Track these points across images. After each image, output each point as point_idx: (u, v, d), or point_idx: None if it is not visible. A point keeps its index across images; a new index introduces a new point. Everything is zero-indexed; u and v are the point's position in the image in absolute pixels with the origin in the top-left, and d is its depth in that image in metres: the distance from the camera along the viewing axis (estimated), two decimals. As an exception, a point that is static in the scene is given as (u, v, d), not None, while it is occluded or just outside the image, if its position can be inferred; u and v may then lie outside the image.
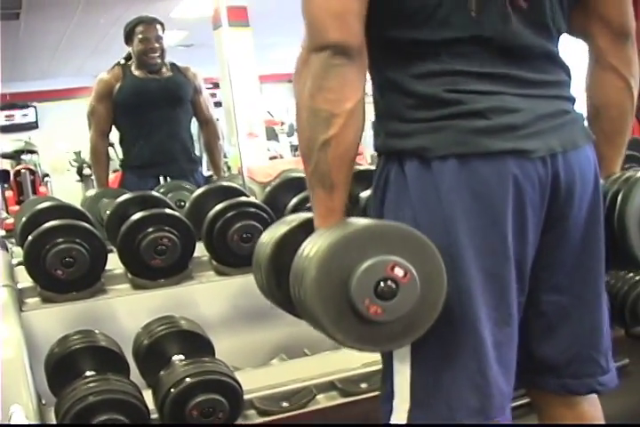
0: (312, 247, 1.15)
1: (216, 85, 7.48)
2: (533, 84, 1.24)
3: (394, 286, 1.11)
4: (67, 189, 9.96)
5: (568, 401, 1.39)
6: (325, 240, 1.14)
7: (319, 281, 1.11)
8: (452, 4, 1.18)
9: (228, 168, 5.74)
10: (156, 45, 3.45)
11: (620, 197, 1.34)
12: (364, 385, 2.07)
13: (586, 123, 1.34)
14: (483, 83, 1.21)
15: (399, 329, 1.15)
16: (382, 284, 1.11)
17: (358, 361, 2.11)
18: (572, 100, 1.31)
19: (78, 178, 11.12)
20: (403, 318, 1.13)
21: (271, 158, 8.54)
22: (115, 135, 3.65)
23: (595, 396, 1.41)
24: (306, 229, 1.27)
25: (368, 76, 1.25)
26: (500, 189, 1.18)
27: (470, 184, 1.18)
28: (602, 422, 1.42)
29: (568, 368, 1.34)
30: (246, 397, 1.89)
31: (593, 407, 1.41)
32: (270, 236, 1.37)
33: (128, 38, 3.49)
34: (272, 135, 10.05)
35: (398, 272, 1.11)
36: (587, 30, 1.36)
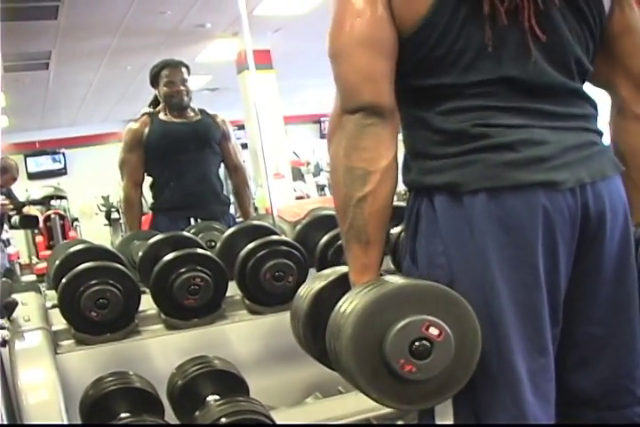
0: (349, 305, 1.17)
1: (241, 128, 7.57)
2: (560, 116, 1.25)
3: (429, 345, 1.12)
4: (95, 233, 10.09)
5: None
6: (362, 299, 1.16)
7: (355, 339, 1.13)
8: (476, 49, 1.21)
9: (255, 209, 5.77)
10: (182, 88, 3.49)
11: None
12: (399, 422, 2.05)
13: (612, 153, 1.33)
14: (510, 116, 1.22)
15: (434, 388, 1.16)
16: (417, 343, 1.12)
17: (394, 399, 2.08)
18: (599, 132, 1.31)
19: (106, 222, 11.25)
20: (437, 376, 1.14)
21: (298, 198, 8.58)
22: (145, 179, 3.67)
23: None
24: (342, 283, 1.29)
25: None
26: (531, 220, 1.18)
27: (501, 217, 1.18)
28: None
29: (604, 400, 1.32)
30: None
31: None
32: (307, 290, 1.40)
33: (154, 82, 3.53)
34: (298, 175, 10.12)
35: (433, 331, 1.13)
36: (609, 80, 1.38)
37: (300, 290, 1.44)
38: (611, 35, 1.33)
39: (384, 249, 1.29)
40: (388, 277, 1.24)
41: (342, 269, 1.38)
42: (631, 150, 1.37)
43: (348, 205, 1.22)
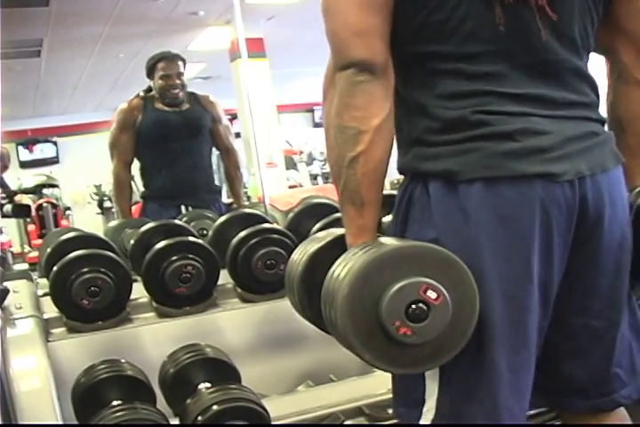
0: (344, 267, 1.15)
1: (234, 117, 7.55)
2: (562, 104, 1.23)
3: (425, 308, 1.11)
4: (88, 221, 10.05)
5: (593, 418, 1.37)
6: (357, 260, 1.14)
7: (350, 301, 1.11)
8: (478, 17, 1.18)
9: (248, 197, 5.76)
10: (177, 82, 3.48)
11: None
12: (391, 411, 2.05)
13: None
14: (510, 104, 1.20)
15: (428, 352, 1.15)
16: (414, 306, 1.10)
17: (385, 386, 2.08)
18: (601, 121, 1.30)
19: (99, 211, 11.22)
20: (432, 341, 1.13)
21: (290, 187, 8.56)
22: (134, 166, 3.66)
23: (623, 412, 1.39)
24: (337, 246, 1.27)
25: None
26: (527, 212, 1.17)
27: (496, 207, 1.17)
28: None
29: (596, 389, 1.33)
30: (273, 424, 1.88)
31: (622, 418, 1.40)
32: (302, 252, 1.37)
33: (150, 73, 3.52)
34: (291, 164, 10.10)
35: (431, 295, 1.11)
36: (611, 46, 1.37)
37: (294, 253, 1.41)
38: (611, 0, 1.31)
39: (380, 211, 1.26)
40: (385, 239, 1.22)
41: (338, 230, 1.35)
42: (630, 116, 1.36)
43: (341, 166, 1.20)
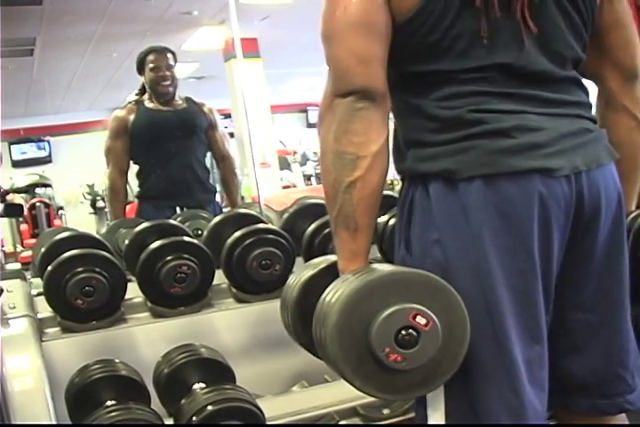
0: (334, 294, 1.16)
1: (227, 116, 7.55)
2: (555, 103, 1.25)
3: (415, 334, 1.11)
4: (80, 221, 10.03)
5: (596, 421, 1.37)
6: (347, 287, 1.14)
7: (340, 327, 1.12)
8: (471, 35, 1.20)
9: (242, 198, 5.75)
10: (167, 73, 3.47)
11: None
12: (386, 411, 2.05)
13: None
14: (505, 102, 1.22)
15: (419, 378, 1.15)
16: (404, 332, 1.11)
17: (380, 387, 2.09)
18: (593, 120, 1.32)
19: (92, 210, 11.20)
20: (423, 367, 1.14)
21: (284, 188, 8.57)
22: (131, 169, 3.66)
23: (623, 414, 1.39)
24: (332, 272, 1.29)
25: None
26: (526, 207, 1.18)
27: (496, 203, 1.19)
28: None
29: (597, 388, 1.33)
30: (268, 424, 1.87)
31: (620, 420, 1.40)
32: (296, 279, 1.39)
33: (140, 68, 3.52)
34: (285, 165, 10.11)
35: (420, 321, 1.12)
36: (598, 72, 1.40)
37: (289, 279, 1.43)
38: (600, 28, 1.35)
39: (372, 236, 1.28)
40: (377, 265, 1.23)
41: (332, 257, 1.37)
42: (618, 141, 1.38)
43: (337, 191, 1.21)
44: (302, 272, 1.40)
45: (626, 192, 1.36)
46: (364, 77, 1.19)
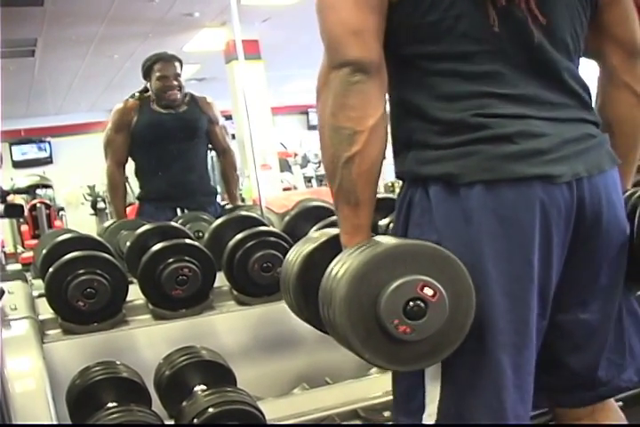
0: (341, 267, 1.15)
1: (228, 118, 7.55)
2: (558, 105, 1.25)
3: (423, 305, 1.11)
4: (81, 222, 10.03)
5: (594, 411, 1.39)
6: (355, 260, 1.14)
7: (348, 300, 1.11)
8: (472, 17, 1.20)
9: (243, 200, 5.75)
10: (175, 83, 3.46)
11: (638, 214, 1.33)
12: (386, 413, 2.05)
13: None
14: (509, 106, 1.21)
15: (427, 349, 1.15)
16: (411, 303, 1.11)
17: (380, 389, 2.09)
18: (596, 123, 1.31)
19: (92, 211, 11.20)
20: (431, 337, 1.13)
21: (285, 190, 8.57)
22: (129, 168, 3.65)
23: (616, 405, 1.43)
24: (332, 245, 1.28)
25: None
26: (527, 213, 1.18)
27: (497, 209, 1.18)
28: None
29: (596, 380, 1.34)
30: (269, 424, 1.87)
31: (613, 409, 1.43)
32: (297, 253, 1.37)
33: (146, 75, 3.51)
34: (285, 167, 10.10)
35: (427, 292, 1.11)
36: (599, 50, 1.39)
37: (289, 254, 1.42)
38: (599, 5, 1.33)
39: (374, 210, 1.26)
40: (381, 238, 1.22)
41: (332, 230, 1.36)
42: (619, 119, 1.38)
43: (336, 166, 1.20)
44: (302, 246, 1.38)
45: (623, 171, 1.36)
46: (358, 48, 1.17)
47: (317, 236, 1.41)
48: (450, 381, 1.22)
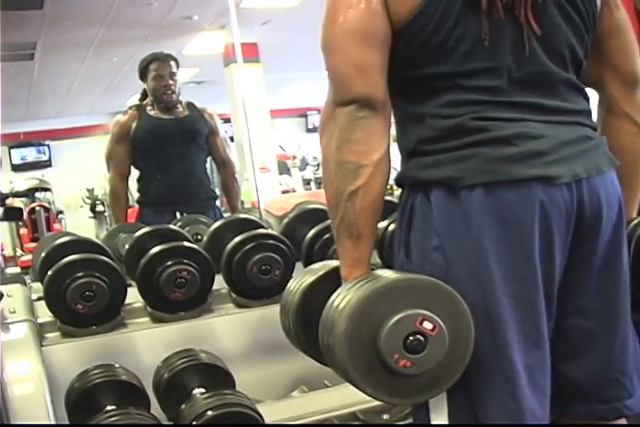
0: (342, 300, 1.17)
1: (227, 121, 7.55)
2: (556, 111, 1.26)
3: (423, 339, 1.13)
4: (80, 225, 10.02)
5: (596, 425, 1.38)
6: (355, 293, 1.16)
7: (349, 334, 1.13)
8: (474, 36, 1.21)
9: (241, 202, 5.75)
10: (170, 82, 3.46)
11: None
12: (385, 416, 2.06)
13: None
14: (506, 110, 1.22)
15: (428, 381, 1.17)
16: (411, 338, 1.12)
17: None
18: (593, 127, 1.32)
19: (91, 215, 11.20)
20: (431, 370, 1.15)
21: (283, 192, 8.57)
22: (131, 173, 3.65)
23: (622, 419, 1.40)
24: (332, 277, 1.29)
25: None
26: (528, 215, 1.19)
27: (498, 211, 1.19)
28: None
29: (597, 394, 1.33)
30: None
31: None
32: (298, 284, 1.39)
33: (142, 75, 3.51)
34: (284, 169, 10.10)
35: (427, 326, 1.13)
36: (599, 79, 1.41)
37: (289, 284, 1.44)
38: (600, 35, 1.35)
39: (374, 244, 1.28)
40: (381, 272, 1.24)
41: (332, 263, 1.38)
42: (620, 148, 1.38)
43: (339, 200, 1.22)
44: (303, 278, 1.40)
45: (626, 199, 1.36)
46: (365, 86, 1.20)
47: (318, 267, 1.43)
48: (465, 383, 1.21)
